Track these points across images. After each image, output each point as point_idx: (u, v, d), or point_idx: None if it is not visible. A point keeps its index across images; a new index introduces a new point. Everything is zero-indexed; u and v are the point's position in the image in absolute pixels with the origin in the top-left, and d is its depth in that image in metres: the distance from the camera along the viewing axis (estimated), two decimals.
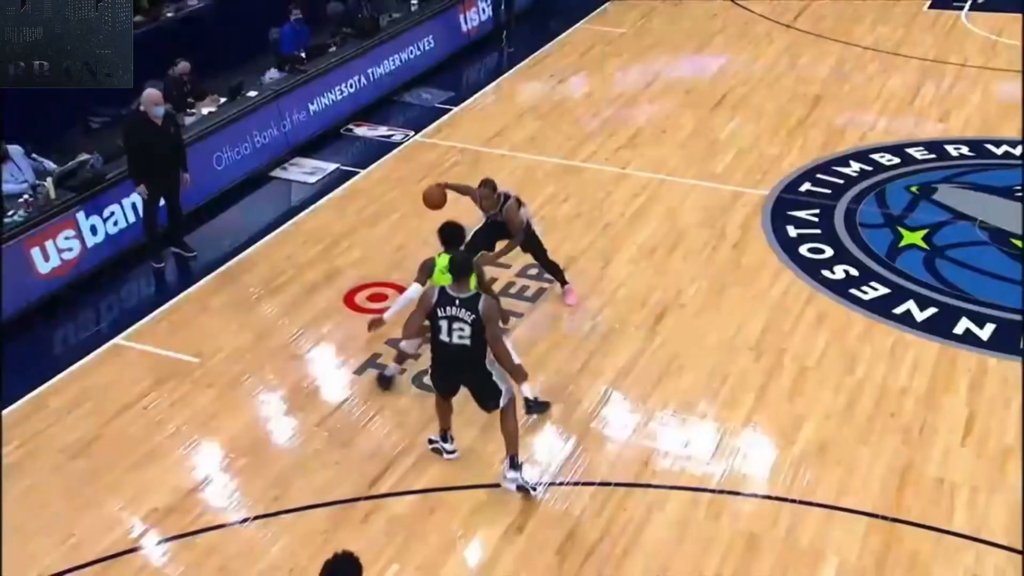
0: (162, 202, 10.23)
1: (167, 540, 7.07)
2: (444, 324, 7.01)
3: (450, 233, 7.83)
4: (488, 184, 8.80)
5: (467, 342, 6.99)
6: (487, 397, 7.22)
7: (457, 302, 6.95)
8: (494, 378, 7.13)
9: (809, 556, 6.76)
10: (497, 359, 7.08)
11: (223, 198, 11.61)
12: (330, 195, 11.73)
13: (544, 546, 6.90)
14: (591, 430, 7.96)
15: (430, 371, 7.47)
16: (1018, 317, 9.07)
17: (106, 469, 7.68)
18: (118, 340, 9.23)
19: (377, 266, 10.20)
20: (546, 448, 7.81)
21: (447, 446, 7.64)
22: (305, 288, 9.89)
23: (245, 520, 7.22)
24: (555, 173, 11.94)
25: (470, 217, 8.88)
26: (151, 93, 10.02)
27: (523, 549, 6.89)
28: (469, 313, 6.92)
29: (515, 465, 7.25)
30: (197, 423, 8.14)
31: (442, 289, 7.08)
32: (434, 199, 8.87)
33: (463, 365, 7.13)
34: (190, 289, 10.01)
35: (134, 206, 10.44)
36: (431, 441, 7.73)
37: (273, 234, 10.92)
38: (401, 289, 9.67)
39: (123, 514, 7.28)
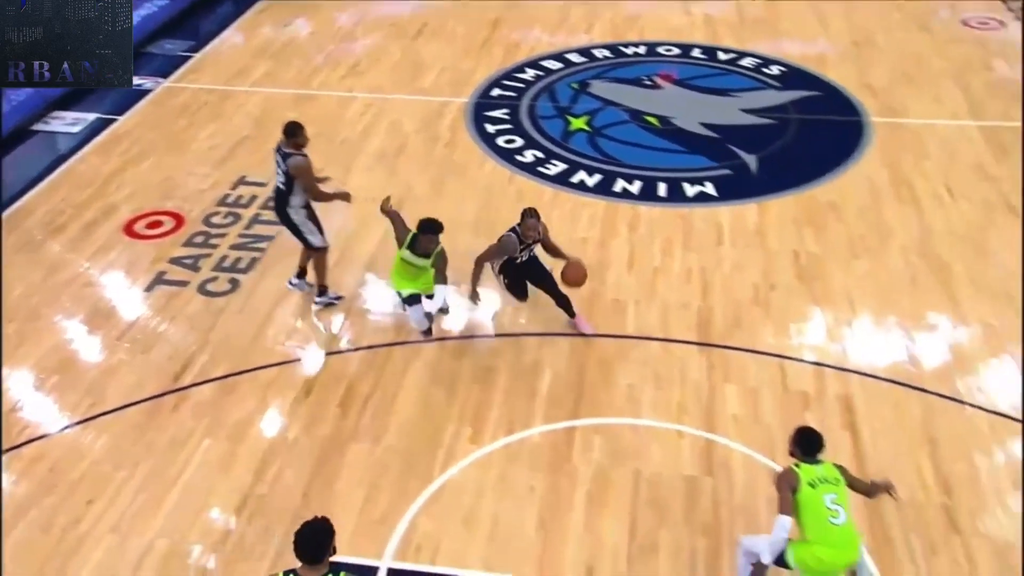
0: None
1: None
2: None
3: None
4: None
5: (282, 186, 7.54)
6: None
7: (279, 159, 7.44)
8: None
9: (532, 372, 7.26)
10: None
11: None
12: (94, 141, 10.72)
13: (328, 403, 6.99)
14: (354, 307, 8.02)
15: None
16: (655, 174, 9.88)
17: None
18: None
19: (149, 198, 9.54)
20: (321, 326, 7.84)
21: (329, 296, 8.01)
22: (85, 225, 9.12)
23: (66, 427, 6.79)
24: (292, 102, 11.50)
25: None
26: None
27: (311, 409, 6.95)
28: (283, 162, 7.39)
29: (324, 292, 8.00)
30: (4, 354, 7.45)
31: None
32: (578, 276, 7.49)
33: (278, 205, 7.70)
34: None
35: None
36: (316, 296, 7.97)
37: (46, 181, 9.89)
38: (175, 215, 9.22)
39: None
